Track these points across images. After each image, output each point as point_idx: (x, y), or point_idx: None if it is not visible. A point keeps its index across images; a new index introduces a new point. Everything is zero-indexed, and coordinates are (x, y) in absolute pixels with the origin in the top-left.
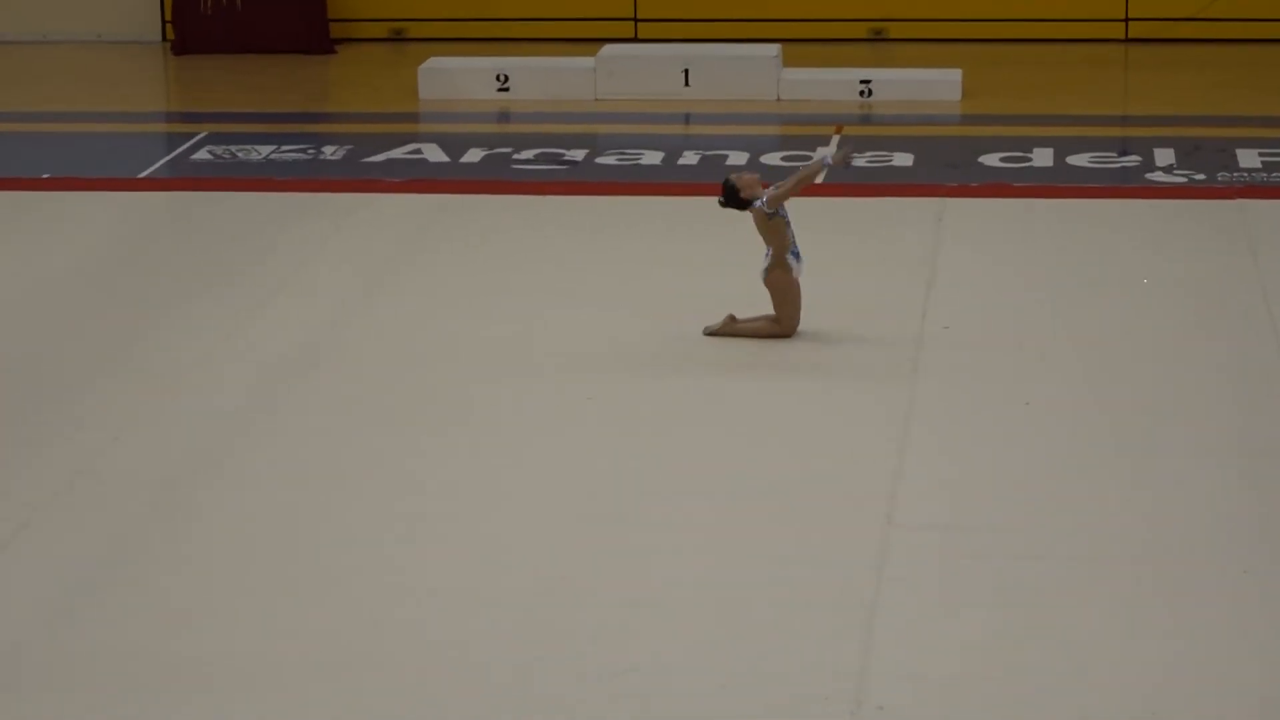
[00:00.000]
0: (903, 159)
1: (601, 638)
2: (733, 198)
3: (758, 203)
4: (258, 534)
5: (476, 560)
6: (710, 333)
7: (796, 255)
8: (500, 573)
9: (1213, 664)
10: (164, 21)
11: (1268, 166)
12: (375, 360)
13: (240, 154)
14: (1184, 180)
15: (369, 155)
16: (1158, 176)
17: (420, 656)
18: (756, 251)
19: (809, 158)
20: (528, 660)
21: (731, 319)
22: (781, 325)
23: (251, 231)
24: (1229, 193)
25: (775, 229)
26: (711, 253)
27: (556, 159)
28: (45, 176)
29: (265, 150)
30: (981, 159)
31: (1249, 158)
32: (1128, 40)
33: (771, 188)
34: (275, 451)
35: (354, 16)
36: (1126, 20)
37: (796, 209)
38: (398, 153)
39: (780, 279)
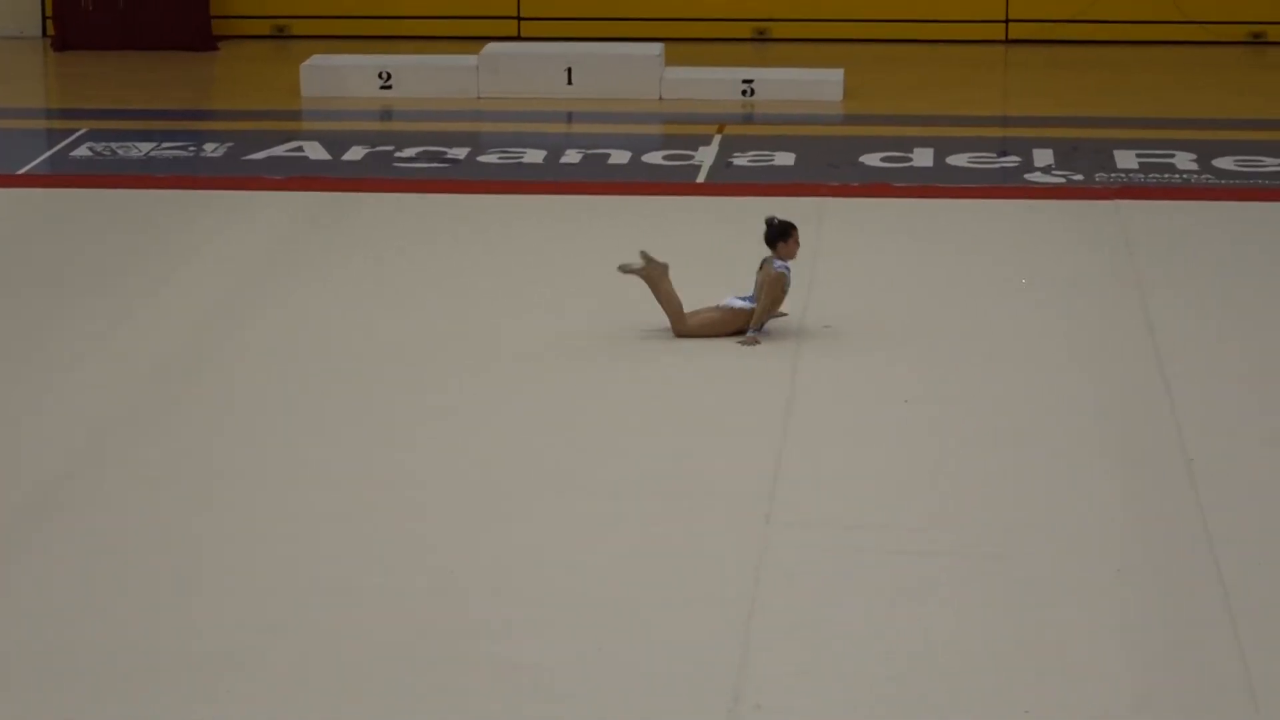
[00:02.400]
0: (784, 158)
1: (483, 634)
2: (776, 235)
3: (779, 265)
4: (143, 532)
5: (364, 556)
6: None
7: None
8: (382, 569)
9: (1085, 661)
10: (44, 17)
11: (1145, 167)
12: (259, 358)
13: (120, 151)
14: (1062, 181)
15: (250, 153)
16: (1036, 177)
17: (303, 650)
18: (637, 245)
19: (690, 156)
20: (408, 656)
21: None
22: (677, 324)
23: (132, 229)
24: (1106, 193)
25: (775, 289)
26: (593, 248)
27: (438, 157)
28: None
29: (146, 147)
30: (862, 159)
31: (1126, 159)
32: (1008, 41)
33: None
34: (158, 450)
35: (237, 13)
36: (1007, 21)
37: (676, 208)
38: (279, 150)
39: (727, 319)
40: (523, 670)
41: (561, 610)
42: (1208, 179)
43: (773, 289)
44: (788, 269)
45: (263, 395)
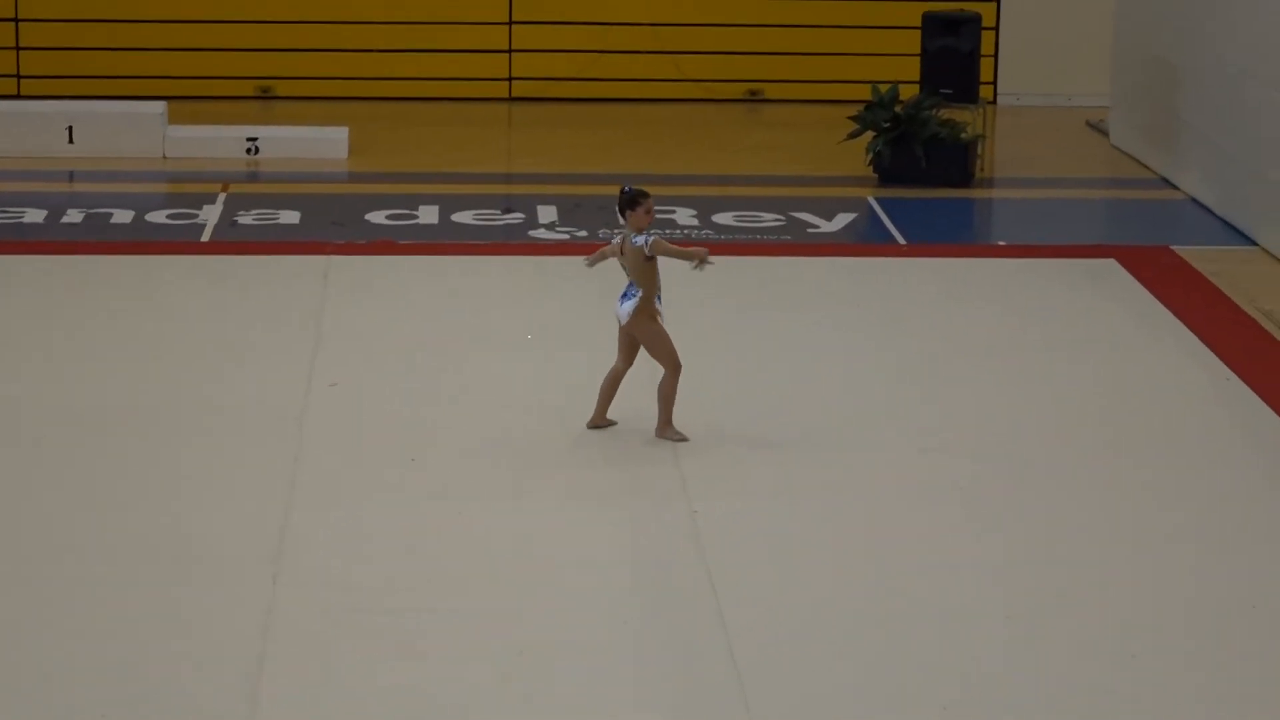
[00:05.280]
0: (289, 216)
1: None
2: (624, 204)
3: (641, 240)
4: None
5: None
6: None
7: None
8: None
9: (593, 716)
10: None
11: None
12: None
13: None
14: (566, 237)
15: None
16: (540, 233)
17: None
18: (139, 306)
19: (195, 215)
20: None
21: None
22: (671, 372)
23: None
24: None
25: (649, 272)
26: (94, 310)
27: None
28: None
29: None
30: (368, 216)
31: None
32: (511, 99)
33: (651, 236)
34: None
35: None
36: (510, 80)
37: (181, 268)
38: None
39: (646, 327)
40: None
41: (66, 676)
42: (708, 234)
43: (648, 272)
44: (646, 240)
45: None
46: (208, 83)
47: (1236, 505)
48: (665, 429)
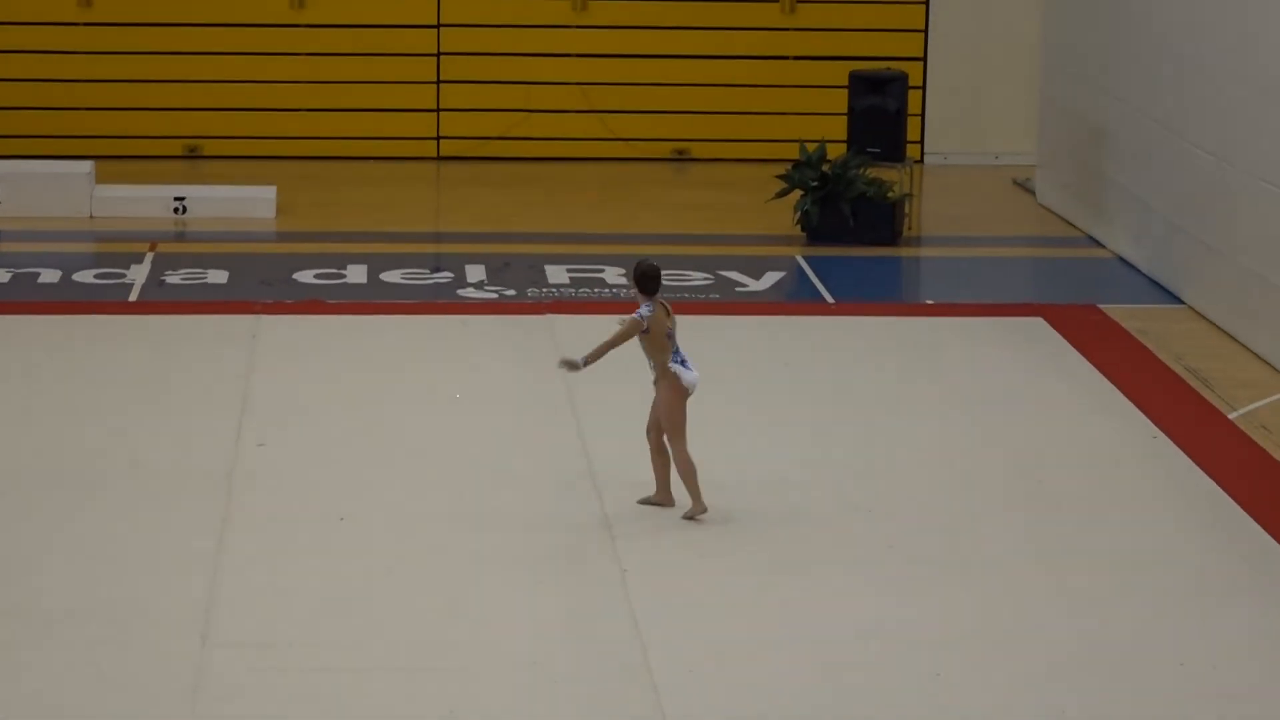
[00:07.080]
0: (217, 276)
1: None
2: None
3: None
4: None
5: None
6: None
7: (683, 363)
8: None
9: None
10: None
11: (575, 282)
12: None
13: None
14: (495, 296)
15: None
16: (469, 292)
17: None
18: (67, 365)
19: (123, 275)
20: None
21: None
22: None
23: None
24: (539, 308)
25: (652, 343)
26: (15, 371)
27: None
28: None
29: None
30: (296, 275)
31: (557, 273)
32: (439, 158)
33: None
34: None
35: None
36: (438, 138)
37: (108, 327)
38: None
39: (666, 393)
40: None
41: None
42: (636, 293)
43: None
44: (639, 315)
45: None
46: (135, 142)
47: (1165, 562)
48: (697, 505)
